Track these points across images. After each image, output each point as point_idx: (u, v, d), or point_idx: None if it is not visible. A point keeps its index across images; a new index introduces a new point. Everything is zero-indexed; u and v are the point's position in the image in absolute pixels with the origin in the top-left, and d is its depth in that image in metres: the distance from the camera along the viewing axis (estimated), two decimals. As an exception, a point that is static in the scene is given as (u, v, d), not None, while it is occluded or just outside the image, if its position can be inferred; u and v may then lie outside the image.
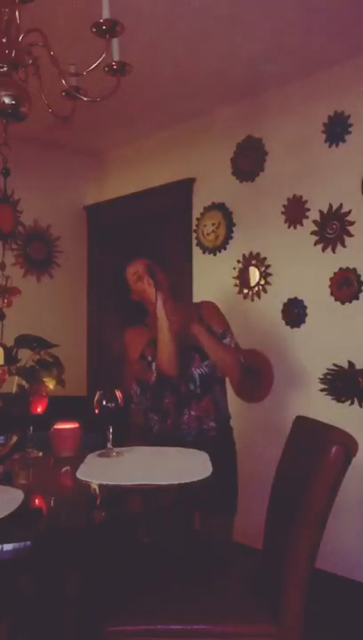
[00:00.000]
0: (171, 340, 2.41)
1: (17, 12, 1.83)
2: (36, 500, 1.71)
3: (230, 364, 2.45)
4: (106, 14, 1.72)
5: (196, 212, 4.02)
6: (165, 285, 2.50)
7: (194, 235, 4.02)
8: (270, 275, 3.59)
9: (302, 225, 3.41)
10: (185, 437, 2.43)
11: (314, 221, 3.35)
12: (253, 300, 3.63)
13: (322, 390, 3.26)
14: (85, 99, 1.97)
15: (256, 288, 3.63)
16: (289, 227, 3.47)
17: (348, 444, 1.65)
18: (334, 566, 3.07)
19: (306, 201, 3.39)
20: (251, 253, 3.67)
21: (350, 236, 3.18)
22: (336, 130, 3.25)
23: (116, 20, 1.72)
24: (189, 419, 2.45)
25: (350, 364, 3.15)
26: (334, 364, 3.22)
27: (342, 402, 3.19)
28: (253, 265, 3.66)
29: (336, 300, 3.23)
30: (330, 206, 3.27)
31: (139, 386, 2.57)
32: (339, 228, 3.22)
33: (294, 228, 3.44)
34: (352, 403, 3.15)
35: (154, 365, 2.48)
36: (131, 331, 2.63)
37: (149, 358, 2.50)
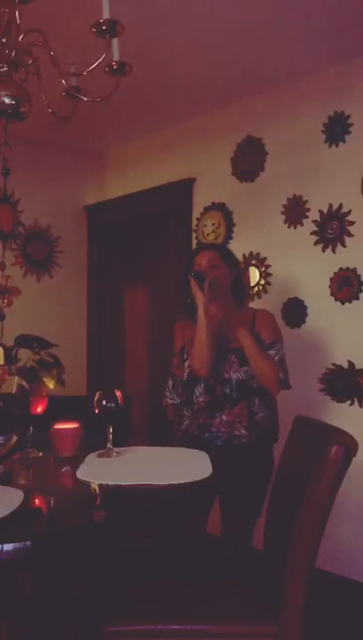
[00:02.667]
0: (206, 341, 2.37)
1: (17, 12, 1.84)
2: (36, 500, 1.71)
3: (268, 376, 2.37)
4: (106, 14, 1.72)
5: (196, 212, 4.02)
6: (221, 284, 2.45)
7: (194, 235, 4.02)
8: (270, 275, 3.59)
9: (302, 225, 3.41)
10: (214, 440, 2.39)
11: (314, 221, 3.35)
12: (253, 299, 3.62)
13: (322, 390, 3.27)
14: (85, 99, 1.97)
15: (256, 288, 3.63)
16: (289, 227, 3.47)
17: (348, 444, 1.65)
18: (334, 566, 3.07)
19: (306, 201, 3.39)
20: (251, 253, 3.67)
21: (351, 236, 3.19)
22: (336, 130, 3.24)
23: (116, 19, 1.73)
24: (220, 422, 2.40)
25: (350, 363, 3.15)
26: (334, 364, 3.22)
27: (343, 402, 3.19)
28: (253, 265, 3.66)
29: (336, 300, 3.23)
30: (330, 206, 3.27)
31: (172, 379, 2.56)
32: (339, 227, 3.22)
33: (294, 227, 3.44)
34: (352, 403, 3.15)
35: (186, 364, 2.48)
36: (180, 323, 2.60)
37: (185, 355, 2.49)
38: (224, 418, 2.40)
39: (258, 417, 2.41)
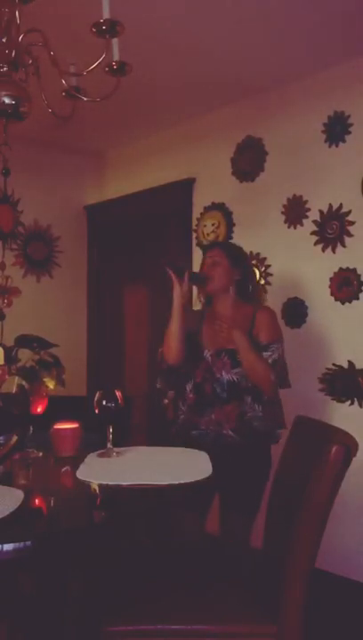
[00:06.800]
0: (176, 331, 2.45)
1: (17, 12, 1.84)
2: (36, 500, 1.71)
3: (260, 378, 2.37)
4: (106, 14, 1.72)
5: (196, 212, 4.02)
6: (218, 281, 2.52)
7: (194, 235, 4.02)
8: (270, 275, 3.59)
9: (302, 225, 3.41)
10: (203, 437, 2.39)
11: (314, 221, 3.35)
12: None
13: (322, 390, 3.27)
14: (85, 99, 1.97)
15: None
16: (289, 227, 3.47)
17: (348, 444, 1.65)
18: (334, 566, 3.07)
19: (306, 201, 3.39)
20: (251, 253, 3.67)
21: (350, 236, 3.19)
22: (336, 130, 3.24)
23: (116, 20, 1.73)
24: (208, 421, 2.40)
25: (350, 363, 3.15)
26: (334, 364, 3.22)
27: (342, 402, 3.19)
28: (253, 265, 3.66)
29: (336, 299, 3.23)
30: (330, 206, 3.27)
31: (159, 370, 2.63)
32: (339, 228, 3.22)
33: (294, 227, 3.44)
34: (352, 403, 3.15)
35: (160, 350, 2.54)
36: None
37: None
38: (213, 417, 2.40)
39: (248, 416, 2.39)
